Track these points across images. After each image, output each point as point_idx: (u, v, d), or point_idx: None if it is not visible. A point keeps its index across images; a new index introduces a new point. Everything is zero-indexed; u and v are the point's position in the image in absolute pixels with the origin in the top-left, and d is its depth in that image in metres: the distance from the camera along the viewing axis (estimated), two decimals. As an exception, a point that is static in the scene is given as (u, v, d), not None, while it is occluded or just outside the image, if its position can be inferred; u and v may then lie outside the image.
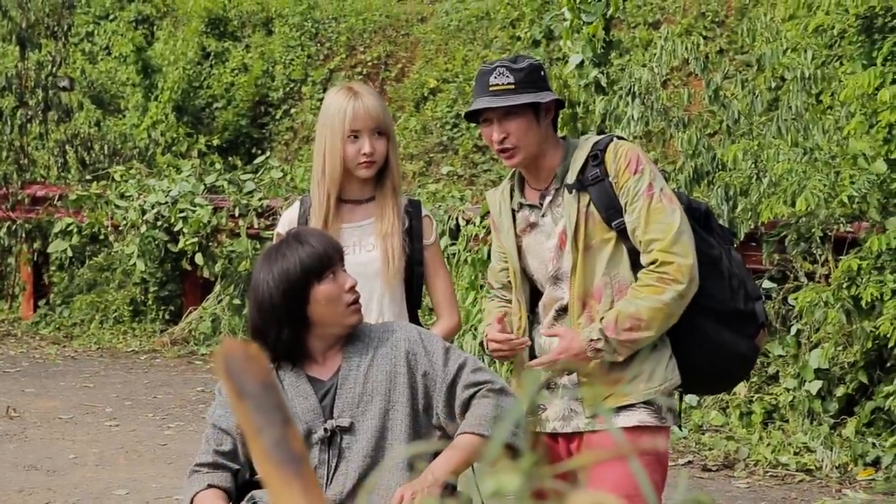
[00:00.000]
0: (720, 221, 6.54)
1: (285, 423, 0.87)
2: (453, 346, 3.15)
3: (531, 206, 3.43)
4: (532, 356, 3.44)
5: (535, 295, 3.48)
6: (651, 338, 3.24)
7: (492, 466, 0.84)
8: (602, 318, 3.25)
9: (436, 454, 3.01)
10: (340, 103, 3.50)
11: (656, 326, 3.21)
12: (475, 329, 7.92)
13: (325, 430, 3.01)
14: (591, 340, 3.23)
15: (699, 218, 3.38)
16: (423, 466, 2.98)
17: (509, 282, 3.54)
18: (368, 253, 3.50)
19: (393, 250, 3.46)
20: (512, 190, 3.49)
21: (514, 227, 3.46)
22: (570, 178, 3.32)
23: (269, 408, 0.87)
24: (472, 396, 3.02)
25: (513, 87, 3.26)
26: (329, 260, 3.03)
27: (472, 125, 11.32)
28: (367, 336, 3.10)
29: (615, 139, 3.38)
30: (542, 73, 3.36)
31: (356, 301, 3.08)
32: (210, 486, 3.08)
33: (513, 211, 3.47)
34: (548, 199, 3.39)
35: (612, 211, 3.28)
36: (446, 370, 3.03)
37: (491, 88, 3.27)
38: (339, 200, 3.57)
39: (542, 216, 3.41)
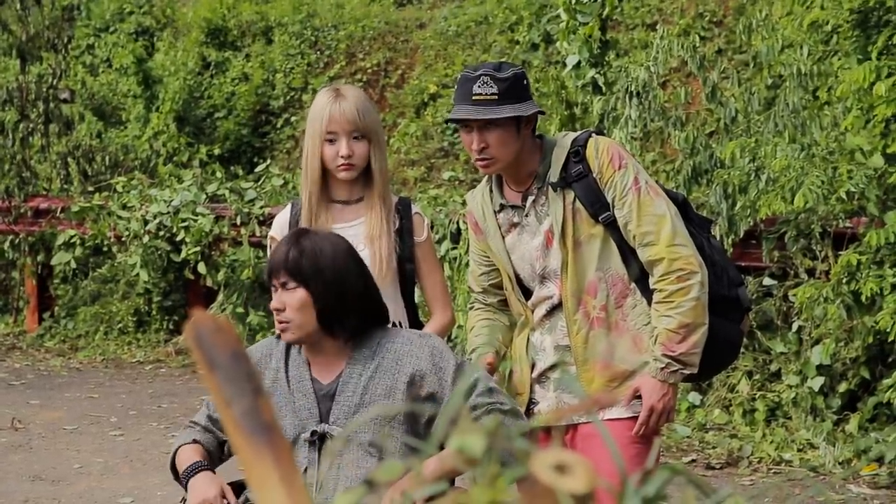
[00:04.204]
0: (720, 219, 6.58)
1: (256, 392, 0.88)
2: (467, 363, 3.07)
3: (513, 207, 3.45)
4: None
5: (526, 292, 3.50)
6: (705, 331, 3.28)
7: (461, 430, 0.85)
8: (653, 350, 3.27)
9: None
10: (322, 105, 3.52)
11: (702, 319, 3.27)
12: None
13: (314, 432, 3.00)
14: (661, 370, 3.26)
15: (677, 208, 3.41)
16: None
17: (490, 285, 3.58)
18: (360, 253, 3.51)
19: (381, 252, 3.47)
20: (491, 191, 3.50)
21: (500, 229, 3.47)
22: (553, 176, 3.34)
23: (238, 378, 0.88)
24: (477, 418, 2.96)
25: (496, 97, 3.25)
26: None
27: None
28: (377, 344, 3.04)
29: (593, 135, 3.42)
30: (526, 81, 3.35)
31: None
32: (195, 441, 3.17)
33: (494, 212, 3.49)
34: (530, 198, 3.40)
35: (598, 205, 3.32)
36: (454, 391, 2.98)
37: (474, 98, 3.26)
38: (330, 201, 3.59)
39: (526, 216, 3.42)
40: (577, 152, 3.34)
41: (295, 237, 3.04)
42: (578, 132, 3.48)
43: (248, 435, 0.88)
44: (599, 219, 3.32)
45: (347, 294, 2.96)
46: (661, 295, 3.27)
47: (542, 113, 3.48)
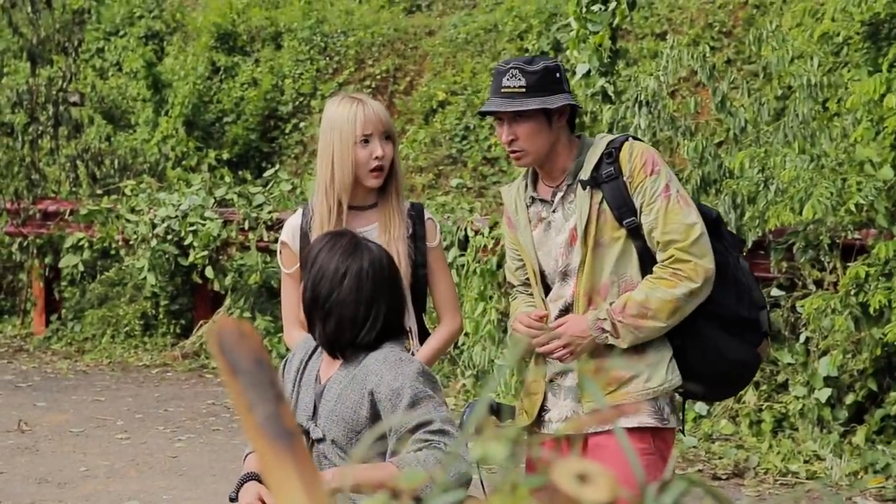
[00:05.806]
0: (727, 229, 6.58)
1: (278, 398, 0.89)
2: (430, 402, 2.93)
3: (543, 202, 3.46)
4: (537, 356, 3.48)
5: (548, 290, 3.51)
6: (658, 329, 3.27)
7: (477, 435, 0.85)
8: (612, 302, 3.28)
9: None
10: (348, 110, 3.51)
11: (664, 318, 3.25)
12: (484, 340, 7.92)
13: (300, 425, 3.03)
14: (598, 319, 3.27)
15: (709, 224, 3.39)
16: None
17: (528, 278, 3.56)
18: None
19: (399, 255, 3.47)
20: (526, 186, 3.51)
21: (530, 223, 3.48)
22: (585, 174, 3.34)
23: (261, 384, 0.89)
24: (419, 449, 2.87)
25: (524, 90, 3.27)
26: None
27: (482, 137, 11.38)
28: (364, 356, 3.04)
29: (630, 139, 3.41)
30: (558, 74, 3.35)
31: None
32: None
33: (526, 206, 3.50)
34: (559, 195, 3.41)
35: (624, 209, 3.31)
36: (404, 422, 2.90)
37: (503, 90, 3.29)
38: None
39: (553, 212, 3.43)
40: (611, 153, 3.34)
41: (326, 234, 3.14)
42: (617, 135, 3.48)
43: (269, 440, 0.89)
44: (624, 223, 3.31)
45: (318, 302, 3.01)
46: (651, 276, 3.29)
47: (578, 107, 3.48)
